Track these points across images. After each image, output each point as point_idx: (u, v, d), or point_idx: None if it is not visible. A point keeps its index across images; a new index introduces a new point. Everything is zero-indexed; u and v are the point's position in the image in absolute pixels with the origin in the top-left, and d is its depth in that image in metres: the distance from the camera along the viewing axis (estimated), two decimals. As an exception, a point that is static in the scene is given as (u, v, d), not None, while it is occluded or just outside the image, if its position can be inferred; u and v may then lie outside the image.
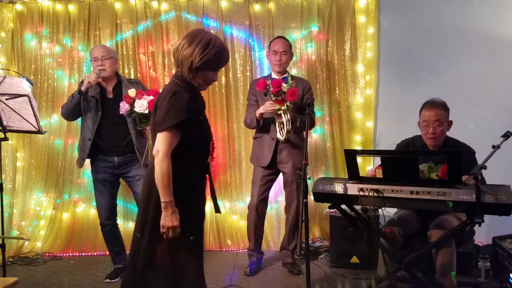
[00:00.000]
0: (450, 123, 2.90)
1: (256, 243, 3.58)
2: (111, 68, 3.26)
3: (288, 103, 3.19)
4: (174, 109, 1.95)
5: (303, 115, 3.23)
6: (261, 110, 3.29)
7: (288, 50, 3.46)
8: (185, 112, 1.96)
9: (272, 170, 3.47)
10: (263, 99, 3.36)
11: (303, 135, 3.50)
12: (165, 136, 1.95)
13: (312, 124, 3.50)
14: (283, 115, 3.20)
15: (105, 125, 3.24)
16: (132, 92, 3.10)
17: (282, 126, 3.26)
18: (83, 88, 3.13)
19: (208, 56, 2.00)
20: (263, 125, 3.40)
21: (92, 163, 3.35)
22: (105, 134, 3.24)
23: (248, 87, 3.70)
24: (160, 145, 1.95)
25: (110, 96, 3.30)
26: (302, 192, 2.48)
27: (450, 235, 2.61)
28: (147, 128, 3.17)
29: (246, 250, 3.73)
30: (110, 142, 3.25)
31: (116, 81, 3.34)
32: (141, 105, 3.05)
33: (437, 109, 2.83)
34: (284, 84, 3.20)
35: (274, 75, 3.47)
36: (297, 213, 3.51)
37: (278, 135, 3.31)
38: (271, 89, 3.16)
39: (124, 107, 3.11)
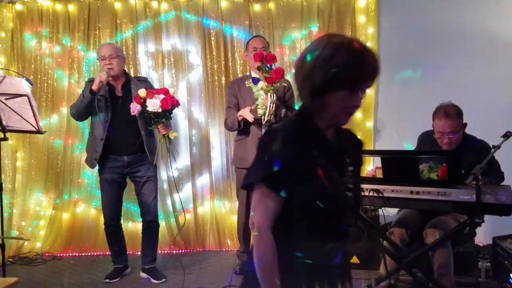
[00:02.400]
0: (464, 126, 2.84)
1: (246, 246, 3.59)
2: (119, 66, 3.23)
3: (276, 85, 3.16)
4: (260, 159, 1.28)
5: (288, 109, 3.31)
6: (241, 113, 3.28)
7: (267, 47, 3.45)
8: (273, 162, 1.23)
9: None
10: (243, 98, 3.36)
11: None
12: (254, 199, 1.29)
13: None
14: (269, 96, 3.16)
15: (115, 123, 3.22)
16: (142, 92, 3.07)
17: (266, 111, 3.19)
18: (95, 88, 3.08)
19: (336, 67, 1.22)
20: (247, 127, 3.38)
21: (99, 163, 3.31)
22: (115, 132, 3.22)
23: (227, 89, 3.64)
24: (253, 213, 1.28)
25: (120, 94, 3.28)
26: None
27: (446, 238, 2.61)
28: (158, 127, 3.15)
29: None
30: (120, 140, 3.24)
31: (124, 79, 3.31)
32: (154, 104, 3.03)
33: (451, 119, 2.75)
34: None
35: (254, 74, 3.42)
36: None
37: (262, 119, 3.26)
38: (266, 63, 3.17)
39: (136, 108, 3.07)
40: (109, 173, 3.29)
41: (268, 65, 3.17)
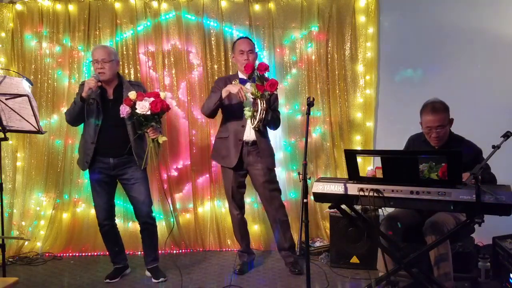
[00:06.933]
0: (451, 122, 2.90)
1: (244, 244, 3.60)
2: (111, 71, 3.21)
3: (266, 93, 3.16)
4: None
5: (272, 112, 3.33)
6: (229, 88, 3.21)
7: (253, 49, 3.42)
8: None
9: (241, 171, 3.43)
10: (229, 96, 3.32)
11: (268, 136, 3.50)
12: None
13: (278, 124, 3.48)
14: (259, 102, 3.16)
15: (104, 127, 3.22)
16: (132, 94, 3.06)
17: (255, 114, 3.20)
18: (84, 95, 3.08)
19: None
20: (230, 126, 3.37)
21: (89, 164, 3.31)
22: (104, 135, 3.22)
23: (213, 84, 3.58)
24: None
25: (111, 97, 3.27)
26: (302, 192, 2.48)
27: (445, 238, 2.62)
28: (148, 130, 3.14)
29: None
30: (108, 143, 3.23)
31: (117, 82, 3.30)
32: (143, 106, 3.01)
33: (439, 114, 2.82)
34: (249, 86, 3.23)
35: (241, 75, 3.41)
36: (282, 211, 3.50)
37: (249, 122, 3.28)
38: (257, 73, 3.17)
39: (125, 109, 3.06)
40: (97, 173, 3.29)
41: (260, 74, 3.16)
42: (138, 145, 3.27)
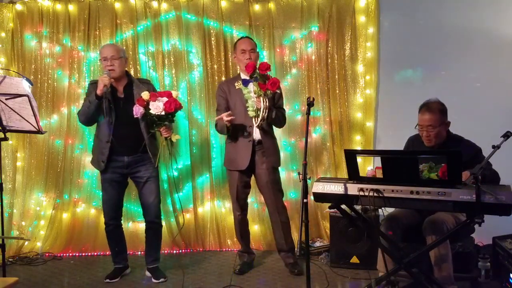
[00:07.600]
0: (446, 124, 2.89)
1: (244, 244, 3.61)
2: (121, 68, 3.22)
3: (268, 92, 3.16)
4: None
5: (277, 110, 3.33)
6: (224, 117, 3.22)
7: (255, 48, 3.42)
8: None
9: (248, 172, 3.43)
10: (233, 100, 3.36)
11: (274, 135, 3.51)
12: None
13: (283, 122, 3.49)
14: (262, 101, 3.16)
15: (117, 125, 3.21)
16: (145, 95, 3.06)
17: (258, 113, 3.21)
18: (99, 92, 3.07)
19: None
20: (238, 129, 3.35)
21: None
22: (116, 134, 3.21)
23: (216, 90, 3.58)
24: None
25: (121, 96, 3.27)
26: (302, 192, 2.48)
27: (445, 238, 2.62)
28: (161, 129, 3.14)
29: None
30: (121, 142, 3.23)
31: (126, 80, 3.30)
32: (157, 107, 3.01)
33: (432, 114, 2.83)
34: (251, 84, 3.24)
35: (243, 76, 3.40)
36: (285, 213, 3.50)
37: (253, 121, 3.28)
38: (258, 72, 3.16)
39: (139, 110, 3.06)
40: (109, 172, 3.30)
41: (262, 74, 3.16)
42: (152, 143, 3.28)
